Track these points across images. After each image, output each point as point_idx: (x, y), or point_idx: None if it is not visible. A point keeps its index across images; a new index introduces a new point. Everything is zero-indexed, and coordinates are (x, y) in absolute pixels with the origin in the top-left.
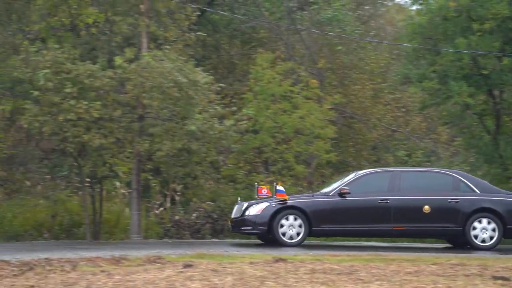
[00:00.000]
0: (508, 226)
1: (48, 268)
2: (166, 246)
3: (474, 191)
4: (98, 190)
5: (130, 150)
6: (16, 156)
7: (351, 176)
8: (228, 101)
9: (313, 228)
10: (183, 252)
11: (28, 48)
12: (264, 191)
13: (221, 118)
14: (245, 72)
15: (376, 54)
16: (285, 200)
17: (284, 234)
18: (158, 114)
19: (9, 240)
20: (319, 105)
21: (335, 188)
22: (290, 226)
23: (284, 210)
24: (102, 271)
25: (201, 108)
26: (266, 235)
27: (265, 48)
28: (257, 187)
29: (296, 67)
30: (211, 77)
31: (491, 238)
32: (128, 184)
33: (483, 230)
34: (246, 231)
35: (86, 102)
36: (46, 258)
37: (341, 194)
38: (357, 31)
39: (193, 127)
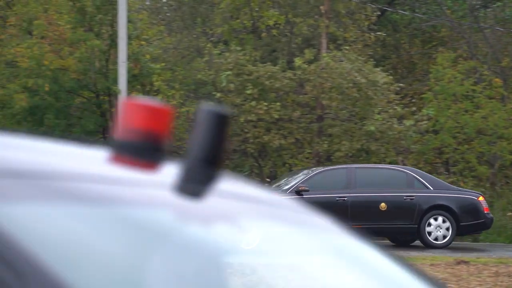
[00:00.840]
0: (461, 223)
1: None
2: None
3: (427, 187)
4: None
5: (309, 151)
6: None
7: (307, 173)
8: (407, 101)
9: None
10: None
11: (211, 50)
12: None
13: (401, 118)
14: (425, 72)
15: None
16: None
17: None
18: (337, 114)
19: None
20: (503, 105)
21: (293, 186)
22: None
23: None
24: None
25: (380, 108)
26: None
27: (446, 47)
28: None
29: (479, 66)
30: (390, 77)
31: (445, 236)
32: None
33: (438, 227)
34: None
35: (266, 103)
36: None
37: (298, 192)
38: None
39: (372, 128)
